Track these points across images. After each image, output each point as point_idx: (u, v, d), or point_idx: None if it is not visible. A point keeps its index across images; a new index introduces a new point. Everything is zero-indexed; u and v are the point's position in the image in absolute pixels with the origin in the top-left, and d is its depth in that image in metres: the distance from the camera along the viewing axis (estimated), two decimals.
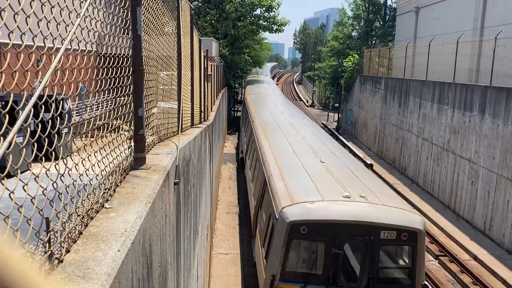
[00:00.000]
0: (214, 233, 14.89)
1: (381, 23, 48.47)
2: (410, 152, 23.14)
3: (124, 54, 3.36)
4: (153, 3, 4.38)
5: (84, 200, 2.43)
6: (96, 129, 2.82)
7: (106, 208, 2.63)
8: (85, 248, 2.09)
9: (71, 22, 2.16)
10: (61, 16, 2.08)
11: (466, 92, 17.57)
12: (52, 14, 1.97)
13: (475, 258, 14.15)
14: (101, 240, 2.18)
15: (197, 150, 7.47)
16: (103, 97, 3.07)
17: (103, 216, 2.51)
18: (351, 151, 27.69)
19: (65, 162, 2.16)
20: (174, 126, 5.79)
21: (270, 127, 16.20)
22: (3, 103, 4.12)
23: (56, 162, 2.04)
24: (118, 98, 3.24)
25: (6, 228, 1.58)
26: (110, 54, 3.00)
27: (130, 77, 3.48)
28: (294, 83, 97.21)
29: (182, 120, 5.89)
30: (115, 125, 3.18)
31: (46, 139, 1.95)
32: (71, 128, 3.12)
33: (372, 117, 30.38)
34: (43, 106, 1.92)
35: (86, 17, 2.39)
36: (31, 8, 1.74)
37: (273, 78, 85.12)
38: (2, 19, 1.53)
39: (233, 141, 32.60)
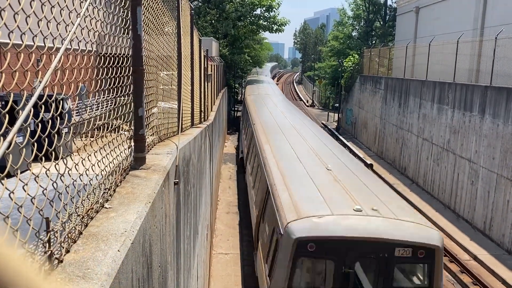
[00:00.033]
0: (214, 233, 14.89)
1: (381, 23, 48.46)
2: (410, 152, 23.14)
3: (124, 54, 3.36)
4: (153, 3, 4.38)
5: (84, 200, 2.43)
6: (96, 129, 2.82)
7: (106, 208, 2.63)
8: (85, 248, 2.09)
9: (71, 22, 2.15)
10: (61, 16, 2.08)
11: (466, 92, 17.56)
12: (52, 14, 1.96)
13: (475, 258, 14.15)
14: (101, 240, 2.18)
15: (197, 150, 7.47)
16: (103, 97, 3.07)
17: (103, 216, 2.51)
18: (351, 151, 27.69)
19: (65, 162, 2.16)
20: (174, 126, 5.78)
21: (272, 131, 15.42)
22: (3, 103, 4.12)
23: (56, 162, 2.03)
24: (118, 98, 3.24)
25: (6, 228, 1.58)
26: (110, 54, 3.00)
27: (130, 77, 3.48)
28: (294, 83, 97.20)
29: (182, 120, 5.88)
30: (115, 125, 3.18)
31: (46, 139, 1.95)
32: (71, 128, 3.11)
33: (372, 117, 30.38)
34: (43, 106, 1.92)
35: (86, 16, 2.39)
36: (31, 8, 1.74)
37: (273, 78, 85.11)
38: (2, 19, 1.53)
39: (233, 141, 32.60)
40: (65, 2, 2.16)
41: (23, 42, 1.67)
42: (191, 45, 8.01)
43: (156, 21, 4.60)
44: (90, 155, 2.58)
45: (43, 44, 1.88)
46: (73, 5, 2.21)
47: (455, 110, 18.44)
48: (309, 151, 11.96)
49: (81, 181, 2.42)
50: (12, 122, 1.57)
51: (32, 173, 1.77)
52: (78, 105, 7.08)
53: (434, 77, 21.48)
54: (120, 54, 3.24)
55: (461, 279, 12.87)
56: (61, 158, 2.09)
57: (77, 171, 2.35)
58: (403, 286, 7.63)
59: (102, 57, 2.83)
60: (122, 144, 3.33)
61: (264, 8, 37.40)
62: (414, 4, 30.81)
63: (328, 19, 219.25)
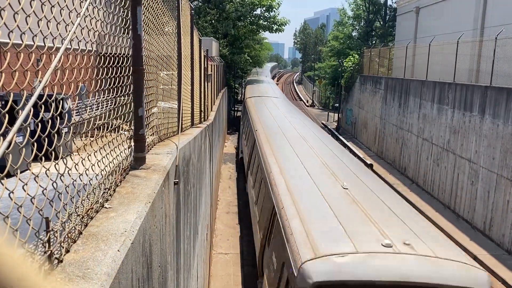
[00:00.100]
0: (214, 233, 14.89)
1: (381, 23, 48.47)
2: (410, 152, 23.15)
3: (124, 54, 3.36)
4: (153, 3, 4.38)
5: (84, 200, 2.43)
6: (96, 129, 2.82)
7: (106, 208, 2.63)
8: (85, 248, 2.09)
9: (71, 21, 2.15)
10: (61, 16, 2.08)
11: (466, 92, 17.57)
12: (52, 13, 1.96)
13: (475, 258, 14.15)
14: (101, 240, 2.18)
15: (197, 150, 7.47)
16: (103, 97, 3.07)
17: (103, 216, 2.51)
18: (351, 151, 27.70)
19: (65, 161, 2.16)
20: (174, 126, 5.78)
21: (277, 139, 13.83)
22: (3, 102, 4.11)
23: (56, 161, 2.03)
24: (118, 98, 3.24)
25: (6, 228, 1.58)
26: (110, 53, 3.00)
27: (130, 76, 3.48)
28: (294, 83, 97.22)
29: (182, 120, 5.88)
30: (115, 125, 3.18)
31: (46, 139, 1.95)
32: (71, 127, 3.11)
33: (372, 117, 30.38)
34: (43, 106, 1.92)
35: (86, 16, 2.39)
36: (31, 7, 1.74)
37: (273, 78, 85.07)
38: (2, 19, 1.52)
39: (233, 141, 32.60)
40: (65, 1, 2.16)
41: (23, 42, 1.67)
42: (191, 45, 8.01)
43: (156, 21, 4.60)
44: (90, 155, 2.58)
45: (43, 44, 1.88)
46: (73, 4, 2.21)
47: (455, 110, 18.44)
48: (319, 164, 10.38)
49: (81, 181, 2.42)
50: (12, 122, 1.57)
51: (32, 173, 1.77)
52: (78, 105, 7.08)
53: (434, 77, 21.48)
54: (120, 54, 3.24)
55: None
56: (61, 158, 2.09)
57: (77, 171, 2.35)
58: None
59: (102, 57, 2.83)
60: (122, 144, 3.33)
61: (264, 8, 37.40)
62: (414, 4, 30.82)
63: (328, 19, 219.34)
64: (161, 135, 4.99)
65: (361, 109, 33.28)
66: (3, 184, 1.57)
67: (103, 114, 3.19)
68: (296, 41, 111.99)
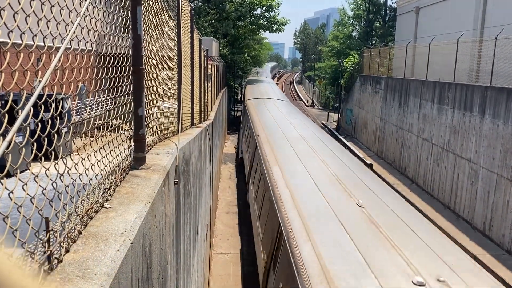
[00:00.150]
0: (214, 232, 14.89)
1: (382, 23, 48.48)
2: (410, 152, 23.15)
3: (124, 54, 3.36)
4: (153, 3, 4.38)
5: (83, 200, 2.43)
6: (96, 129, 2.82)
7: (105, 208, 2.63)
8: (84, 248, 2.09)
9: (71, 21, 2.15)
10: (61, 15, 2.08)
11: (466, 92, 17.57)
12: (52, 13, 1.96)
13: (475, 258, 14.15)
14: (100, 240, 2.18)
15: (197, 150, 7.47)
16: (103, 97, 3.07)
17: (102, 216, 2.51)
18: (351, 151, 27.70)
19: (64, 161, 2.16)
20: (174, 125, 5.78)
21: (280, 146, 12.63)
22: (3, 102, 4.11)
23: (56, 161, 2.03)
24: (118, 98, 3.24)
25: (6, 228, 1.58)
26: (110, 53, 3.00)
27: (130, 76, 3.48)
28: (294, 83, 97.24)
29: (182, 120, 5.88)
30: (115, 125, 3.18)
31: (46, 139, 1.95)
32: (71, 127, 3.11)
33: (372, 117, 30.39)
34: (42, 106, 1.91)
35: (86, 16, 2.39)
36: (31, 7, 1.74)
37: (273, 78, 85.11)
38: (2, 18, 1.52)
39: (233, 141, 32.60)
40: (64, 1, 2.16)
41: (22, 42, 1.67)
42: (191, 45, 8.01)
43: (156, 20, 4.60)
44: (89, 154, 2.58)
45: (42, 44, 1.88)
46: (73, 4, 2.21)
47: (455, 110, 18.44)
48: (329, 176, 9.24)
49: (81, 181, 2.42)
50: (11, 122, 1.57)
51: (32, 172, 1.77)
52: (78, 104, 7.08)
53: (434, 77, 21.48)
54: (120, 53, 3.24)
55: None
56: (61, 158, 2.09)
57: (77, 170, 2.35)
58: None
59: (102, 56, 2.83)
60: (122, 144, 3.33)
61: (264, 8, 37.42)
62: (414, 4, 30.82)
63: (328, 19, 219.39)
64: (161, 135, 4.99)
65: (361, 109, 33.28)
66: (3, 184, 1.57)
67: (103, 114, 3.19)
68: (296, 41, 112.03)
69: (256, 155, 13.62)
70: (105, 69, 2.83)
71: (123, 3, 3.26)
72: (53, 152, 2.00)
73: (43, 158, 1.89)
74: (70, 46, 2.09)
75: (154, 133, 4.60)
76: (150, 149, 4.29)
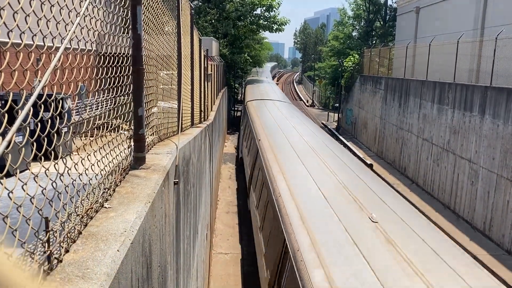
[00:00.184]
0: (214, 232, 14.89)
1: (382, 23, 48.48)
2: (410, 152, 23.15)
3: (124, 54, 3.36)
4: (153, 2, 4.38)
5: (83, 200, 2.43)
6: (95, 129, 2.81)
7: (105, 207, 2.63)
8: (84, 248, 2.09)
9: (71, 21, 2.15)
10: (61, 15, 2.08)
11: (466, 92, 17.57)
12: (51, 13, 1.96)
13: (475, 258, 14.16)
14: (100, 240, 2.18)
15: (197, 150, 7.46)
16: (103, 97, 3.06)
17: (102, 215, 2.50)
18: (351, 151, 27.69)
19: (64, 161, 2.15)
20: (174, 125, 5.78)
21: (284, 151, 11.88)
22: (3, 102, 4.11)
23: (56, 161, 2.03)
24: (118, 98, 3.24)
25: (5, 228, 1.57)
26: (110, 53, 3.00)
27: (130, 76, 3.47)
28: (294, 83, 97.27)
29: (182, 120, 5.88)
30: (115, 125, 3.18)
31: (46, 139, 1.94)
32: (71, 127, 3.11)
33: (372, 117, 30.39)
34: (42, 106, 1.91)
35: (86, 16, 2.38)
36: (31, 7, 1.74)
37: (273, 78, 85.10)
38: (2, 18, 1.52)
39: (233, 141, 32.60)
40: (64, 1, 2.16)
41: (22, 41, 1.67)
42: (191, 45, 8.00)
43: (156, 20, 4.60)
44: (89, 154, 2.58)
45: (42, 43, 1.88)
46: (73, 4, 2.21)
47: (455, 110, 18.44)
48: (337, 186, 8.53)
49: (81, 180, 2.42)
50: (11, 122, 1.56)
51: (32, 172, 1.77)
52: (78, 104, 7.08)
53: (434, 77, 21.49)
54: (120, 53, 3.24)
55: None
56: (61, 158, 2.09)
57: (77, 170, 2.35)
58: None
59: (102, 56, 2.82)
60: (121, 144, 3.33)
61: (264, 8, 37.43)
62: (415, 4, 30.82)
63: (329, 19, 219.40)
64: (161, 135, 4.98)
65: (361, 109, 33.28)
66: (2, 184, 1.57)
67: (103, 114, 3.19)
68: (296, 41, 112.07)
69: (258, 160, 12.88)
70: (105, 68, 2.83)
71: (123, 2, 3.26)
72: (53, 152, 2.00)
73: (42, 158, 1.88)
74: (70, 46, 2.08)
75: (154, 133, 4.60)
76: (150, 149, 4.29)
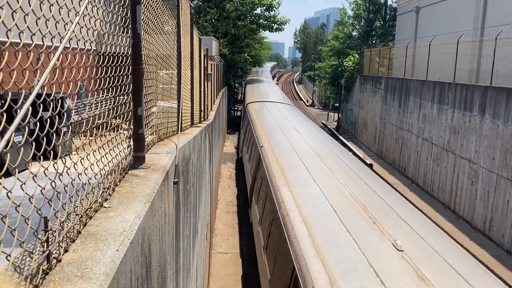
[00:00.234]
0: (214, 232, 14.89)
1: (382, 22, 48.48)
2: (410, 152, 23.15)
3: (123, 53, 3.35)
4: (153, 2, 4.37)
5: (83, 199, 2.42)
6: (95, 128, 2.81)
7: (105, 207, 2.63)
8: (83, 248, 2.08)
9: (70, 20, 2.15)
10: (60, 15, 2.07)
11: (466, 92, 17.56)
12: (51, 12, 1.96)
13: (475, 258, 14.16)
14: (99, 240, 2.17)
15: (196, 150, 7.46)
16: (103, 96, 3.06)
17: (102, 215, 2.50)
18: (351, 151, 27.69)
19: (63, 161, 2.15)
20: (174, 125, 5.78)
21: (288, 160, 10.87)
22: (2, 101, 4.11)
23: (55, 161, 2.03)
24: (118, 97, 3.23)
25: (4, 227, 1.57)
26: (110, 52, 2.99)
27: (130, 76, 3.47)
28: (294, 83, 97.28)
29: (181, 119, 5.88)
30: (114, 124, 3.17)
31: (45, 138, 1.94)
32: (70, 126, 3.11)
33: (372, 117, 30.39)
34: (41, 105, 1.91)
35: (85, 15, 2.38)
36: (30, 6, 1.73)
37: (273, 77, 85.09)
38: (0, 17, 1.52)
39: (233, 141, 32.60)
40: (64, 0, 2.15)
41: (21, 41, 1.66)
42: (191, 44, 8.00)
43: (155, 20, 4.60)
44: (89, 154, 2.57)
45: (41, 43, 1.88)
46: (72, 3, 2.20)
47: (455, 110, 18.44)
48: (352, 204, 7.41)
49: (80, 180, 2.41)
50: (10, 121, 1.56)
51: (31, 172, 1.77)
52: (77, 104, 7.07)
53: (434, 77, 21.48)
54: (119, 53, 3.24)
55: None
56: (60, 157, 2.09)
57: (76, 170, 2.35)
58: None
59: (102, 56, 2.82)
60: (121, 143, 3.32)
61: (264, 8, 37.44)
62: (415, 4, 30.82)
63: (329, 18, 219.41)
64: (161, 134, 4.98)
65: (361, 109, 33.28)
66: (1, 183, 1.56)
67: (102, 113, 3.18)
68: (296, 40, 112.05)
69: (261, 169, 11.87)
70: (105, 68, 2.82)
71: (122, 2, 3.26)
72: (52, 152, 1.99)
73: (42, 157, 1.88)
74: (69, 45, 2.08)
75: (154, 133, 4.59)
76: (150, 148, 4.28)
